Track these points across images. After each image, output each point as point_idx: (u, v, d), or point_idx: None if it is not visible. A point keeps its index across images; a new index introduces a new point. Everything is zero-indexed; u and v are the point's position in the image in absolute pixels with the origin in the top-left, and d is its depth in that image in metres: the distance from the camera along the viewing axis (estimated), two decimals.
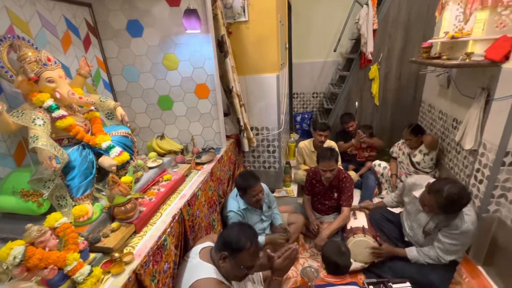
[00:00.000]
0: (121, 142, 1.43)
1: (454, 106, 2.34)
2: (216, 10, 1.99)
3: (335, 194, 2.18)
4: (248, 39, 2.38)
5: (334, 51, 3.78)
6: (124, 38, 1.90)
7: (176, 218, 1.39)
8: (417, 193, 1.71)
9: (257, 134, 2.72)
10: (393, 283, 1.61)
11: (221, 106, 2.13)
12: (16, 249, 0.86)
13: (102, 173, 1.41)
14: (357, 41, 3.56)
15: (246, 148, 2.53)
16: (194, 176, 1.82)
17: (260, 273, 1.57)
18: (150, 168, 1.66)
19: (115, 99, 2.01)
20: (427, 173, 2.51)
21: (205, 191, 1.80)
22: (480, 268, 1.88)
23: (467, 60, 1.77)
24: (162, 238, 1.24)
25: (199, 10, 1.82)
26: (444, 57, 2.05)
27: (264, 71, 2.46)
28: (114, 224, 1.20)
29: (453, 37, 1.95)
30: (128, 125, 1.62)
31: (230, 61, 2.18)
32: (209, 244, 1.34)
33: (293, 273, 1.97)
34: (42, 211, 1.15)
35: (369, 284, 1.63)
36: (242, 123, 2.38)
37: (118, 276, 1.01)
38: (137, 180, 1.50)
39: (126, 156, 1.38)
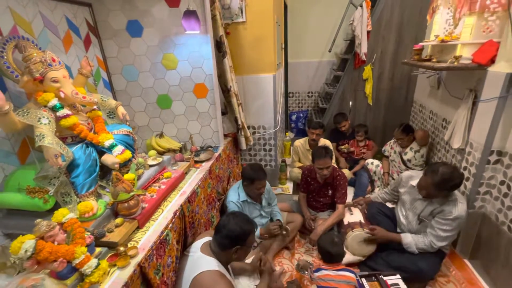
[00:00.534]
0: (123, 140, 1.46)
1: (444, 107, 2.43)
2: (214, 11, 2.03)
3: (330, 192, 2.25)
4: (245, 39, 2.43)
5: (329, 51, 3.86)
6: (124, 38, 1.93)
7: (177, 214, 1.44)
8: (414, 182, 1.84)
9: (254, 133, 2.78)
10: (384, 276, 1.70)
11: (219, 105, 2.18)
12: (27, 243, 0.89)
13: (104, 171, 1.45)
14: (351, 42, 3.64)
15: (244, 147, 2.59)
16: (193, 174, 1.86)
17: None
18: (151, 166, 1.71)
19: (115, 98, 2.04)
20: (418, 170, 2.61)
21: (204, 188, 1.84)
22: (466, 261, 1.98)
23: (456, 63, 1.85)
24: (165, 233, 1.29)
25: (198, 11, 1.86)
26: (434, 59, 2.13)
27: (261, 71, 2.52)
28: (118, 220, 1.24)
29: (442, 41, 2.03)
30: (128, 123, 1.65)
31: (228, 61, 2.22)
32: (208, 238, 1.39)
33: (289, 267, 2.03)
34: (48, 207, 1.19)
35: (361, 276, 1.70)
36: (239, 122, 2.43)
37: (124, 269, 1.06)
38: (138, 178, 1.55)
39: (128, 154, 1.42)
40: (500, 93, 1.63)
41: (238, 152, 2.80)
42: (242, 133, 2.51)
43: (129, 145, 1.50)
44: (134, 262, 1.09)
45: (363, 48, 3.17)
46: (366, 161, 2.99)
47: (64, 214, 1.05)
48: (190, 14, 1.76)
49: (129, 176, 1.37)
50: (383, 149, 2.93)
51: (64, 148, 1.18)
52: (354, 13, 3.21)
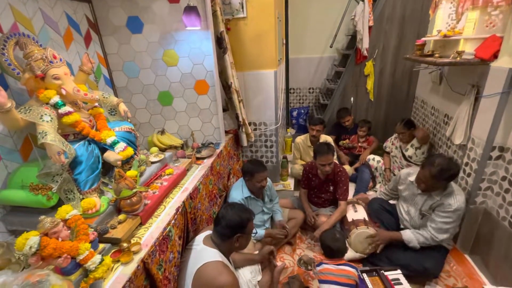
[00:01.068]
0: (125, 137, 1.47)
1: (446, 102, 2.42)
2: (215, 7, 2.01)
3: (331, 188, 2.26)
4: (246, 35, 2.42)
5: (331, 47, 3.82)
6: (124, 35, 1.92)
7: (180, 210, 1.45)
8: (412, 178, 1.89)
9: (255, 129, 2.78)
10: (385, 271, 1.71)
11: (220, 101, 2.18)
12: (32, 239, 0.91)
13: (106, 168, 1.45)
14: (353, 37, 3.61)
15: (245, 143, 2.59)
16: (195, 171, 1.87)
17: (259, 264, 1.65)
18: (153, 162, 1.71)
19: (116, 95, 2.04)
20: (418, 166, 2.61)
21: (206, 184, 1.85)
22: (467, 256, 1.99)
23: (458, 58, 1.84)
24: (167, 230, 1.30)
25: (199, 6, 1.84)
26: (437, 55, 2.12)
27: (262, 67, 2.50)
28: (121, 216, 1.25)
29: (445, 36, 2.01)
30: (129, 120, 1.66)
31: (229, 57, 2.21)
32: (209, 232, 1.41)
33: (290, 262, 2.05)
34: (51, 204, 1.20)
35: (362, 272, 1.72)
36: (240, 119, 2.42)
37: (127, 265, 1.07)
38: (140, 174, 1.55)
39: (130, 151, 1.42)
40: (503, 88, 1.62)
41: (239, 149, 2.80)
42: (243, 130, 2.51)
43: (131, 142, 1.51)
44: (137, 258, 1.10)
45: (364, 44, 3.15)
46: (368, 157, 2.99)
47: (68, 211, 1.06)
48: (190, 10, 1.75)
49: (132, 173, 1.38)
50: (384, 145, 2.93)
51: (66, 145, 1.19)
52: (355, 7, 3.18)
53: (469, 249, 2.00)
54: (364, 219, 2.05)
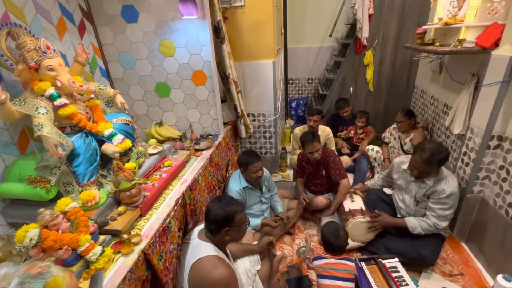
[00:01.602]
0: (122, 129, 1.46)
1: (445, 92, 2.41)
2: None
3: (323, 171, 2.29)
4: (244, 24, 2.37)
5: (330, 36, 3.77)
6: (119, 24, 1.88)
7: (179, 202, 1.45)
8: (405, 166, 1.91)
9: (254, 121, 2.76)
10: (382, 259, 1.73)
11: (218, 93, 2.15)
12: (32, 231, 0.91)
13: (105, 160, 1.45)
14: (352, 26, 3.55)
15: (243, 135, 2.58)
16: (194, 162, 1.87)
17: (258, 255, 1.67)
18: (151, 154, 1.70)
19: (112, 87, 2.01)
20: None
21: (205, 176, 1.85)
22: (463, 244, 2.02)
23: (459, 46, 1.81)
24: (167, 221, 1.30)
25: None
26: (437, 43, 2.08)
27: (260, 58, 2.47)
28: (121, 208, 1.26)
29: (446, 24, 1.97)
30: (127, 112, 1.64)
31: (226, 47, 2.18)
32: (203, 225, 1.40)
33: (289, 252, 2.08)
34: (50, 196, 1.20)
35: (360, 260, 1.74)
36: (239, 110, 2.41)
37: (128, 256, 1.08)
38: (139, 167, 1.55)
39: (128, 143, 1.41)
40: (503, 77, 1.60)
41: (237, 140, 2.79)
42: (242, 121, 2.49)
43: (129, 134, 1.50)
44: (138, 249, 1.11)
45: (364, 33, 3.10)
46: (366, 148, 2.99)
47: (67, 203, 1.06)
48: None
49: (130, 165, 1.38)
50: (382, 136, 2.93)
51: (63, 137, 1.18)
52: None
53: (465, 237, 2.03)
54: (361, 209, 2.07)
